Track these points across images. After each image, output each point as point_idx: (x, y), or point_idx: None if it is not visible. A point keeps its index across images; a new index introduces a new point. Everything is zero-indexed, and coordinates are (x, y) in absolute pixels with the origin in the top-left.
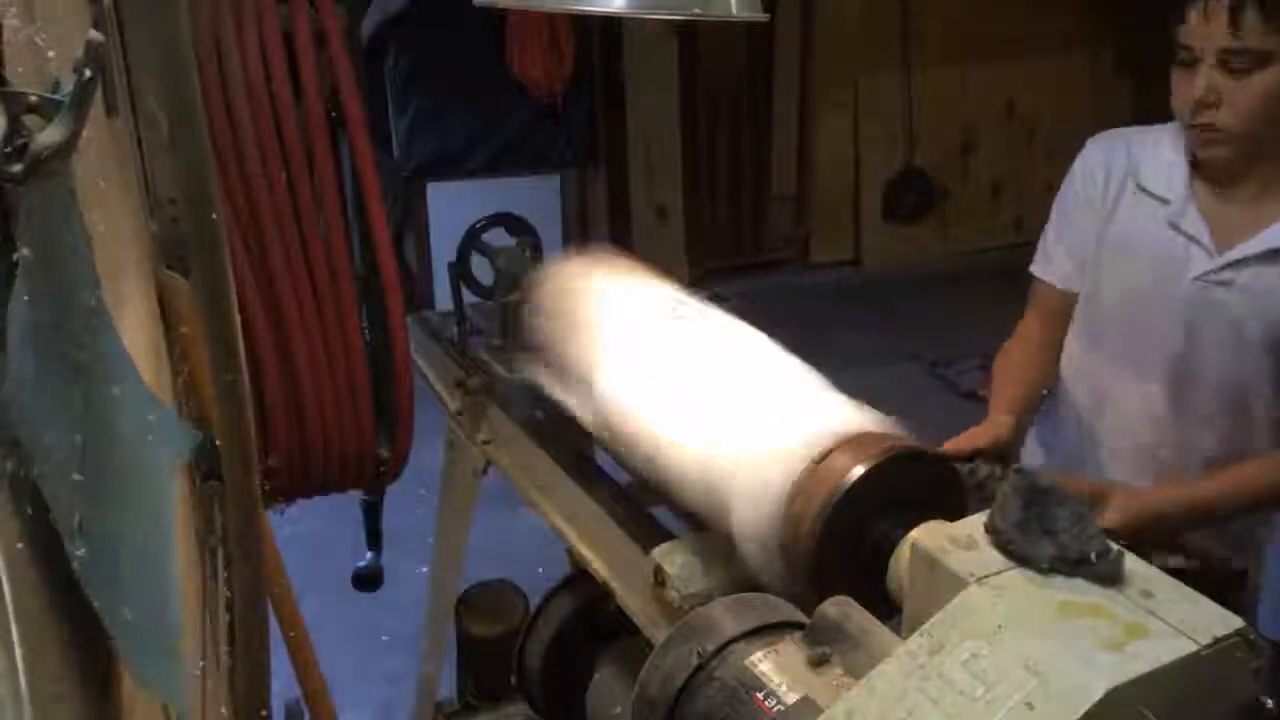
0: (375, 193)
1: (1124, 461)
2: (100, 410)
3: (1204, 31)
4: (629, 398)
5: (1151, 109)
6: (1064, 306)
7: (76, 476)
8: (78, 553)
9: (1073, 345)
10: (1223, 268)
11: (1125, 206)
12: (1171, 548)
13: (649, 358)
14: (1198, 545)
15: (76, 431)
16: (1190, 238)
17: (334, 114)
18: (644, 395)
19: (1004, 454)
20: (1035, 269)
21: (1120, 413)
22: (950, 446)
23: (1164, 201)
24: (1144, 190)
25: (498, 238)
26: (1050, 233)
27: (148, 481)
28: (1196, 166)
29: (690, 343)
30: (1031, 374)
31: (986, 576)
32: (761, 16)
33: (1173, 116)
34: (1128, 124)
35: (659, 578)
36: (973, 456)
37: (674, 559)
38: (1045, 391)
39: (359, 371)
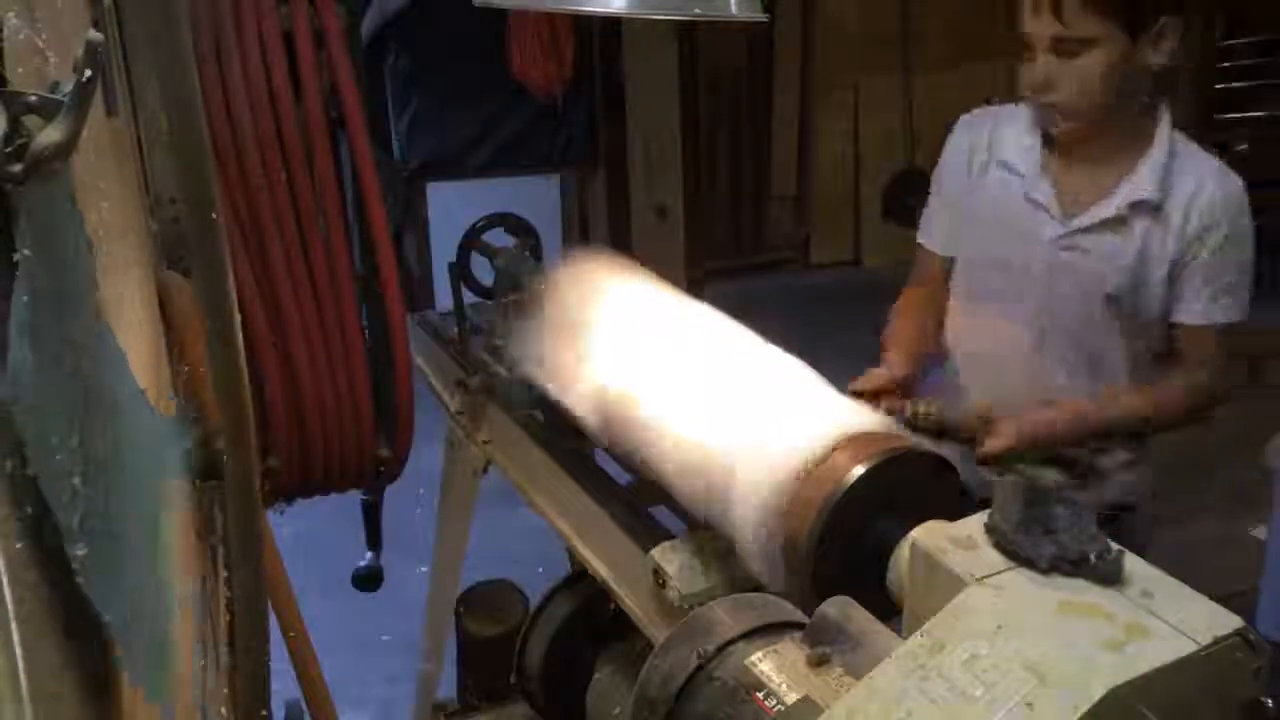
0: (375, 193)
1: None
2: (99, 411)
3: (1035, 23)
4: (630, 399)
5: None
6: (944, 271)
7: (76, 478)
8: (79, 552)
9: (952, 311)
10: (1070, 233)
11: (988, 179)
12: (1058, 463)
13: (648, 358)
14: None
15: (76, 431)
16: (1041, 206)
17: (334, 114)
18: (644, 396)
19: (906, 389)
20: (919, 237)
21: (993, 372)
22: (854, 388)
23: (1019, 174)
24: (1003, 164)
25: (498, 238)
26: (930, 204)
27: (145, 483)
28: (1049, 141)
29: (688, 344)
30: (918, 322)
31: (986, 576)
32: (761, 17)
33: None
34: None
35: (658, 578)
36: (877, 396)
37: (673, 559)
38: (932, 350)
39: (359, 371)
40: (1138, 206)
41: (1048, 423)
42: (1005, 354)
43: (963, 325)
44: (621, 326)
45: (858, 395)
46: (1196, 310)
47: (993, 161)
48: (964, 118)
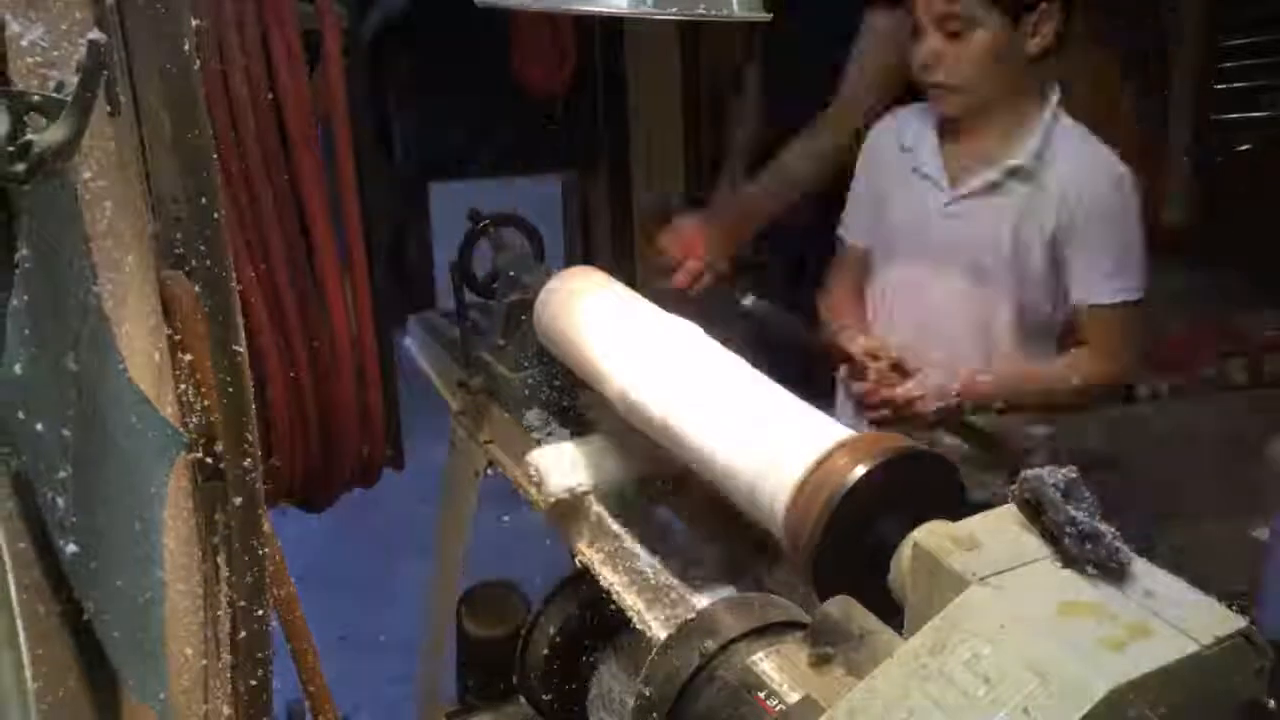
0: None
1: None
2: (90, 409)
3: (925, 3)
4: (634, 404)
5: (1151, 109)
6: (859, 260)
7: (62, 473)
8: (68, 549)
9: (870, 302)
10: (954, 200)
11: (888, 165)
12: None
13: (652, 366)
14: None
15: (66, 428)
16: (928, 179)
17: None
18: (648, 401)
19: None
20: (840, 232)
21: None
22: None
23: (911, 153)
24: (902, 148)
25: (499, 238)
26: (850, 201)
27: (137, 482)
28: (940, 125)
29: (689, 354)
30: (859, 307)
31: (988, 576)
32: (764, 16)
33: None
34: (1127, 125)
35: (530, 478)
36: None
37: (544, 456)
38: None
39: (347, 372)
40: (1014, 172)
41: (987, 384)
42: (914, 335)
43: (875, 317)
44: (623, 333)
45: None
46: (1090, 290)
47: (895, 149)
48: (881, 120)
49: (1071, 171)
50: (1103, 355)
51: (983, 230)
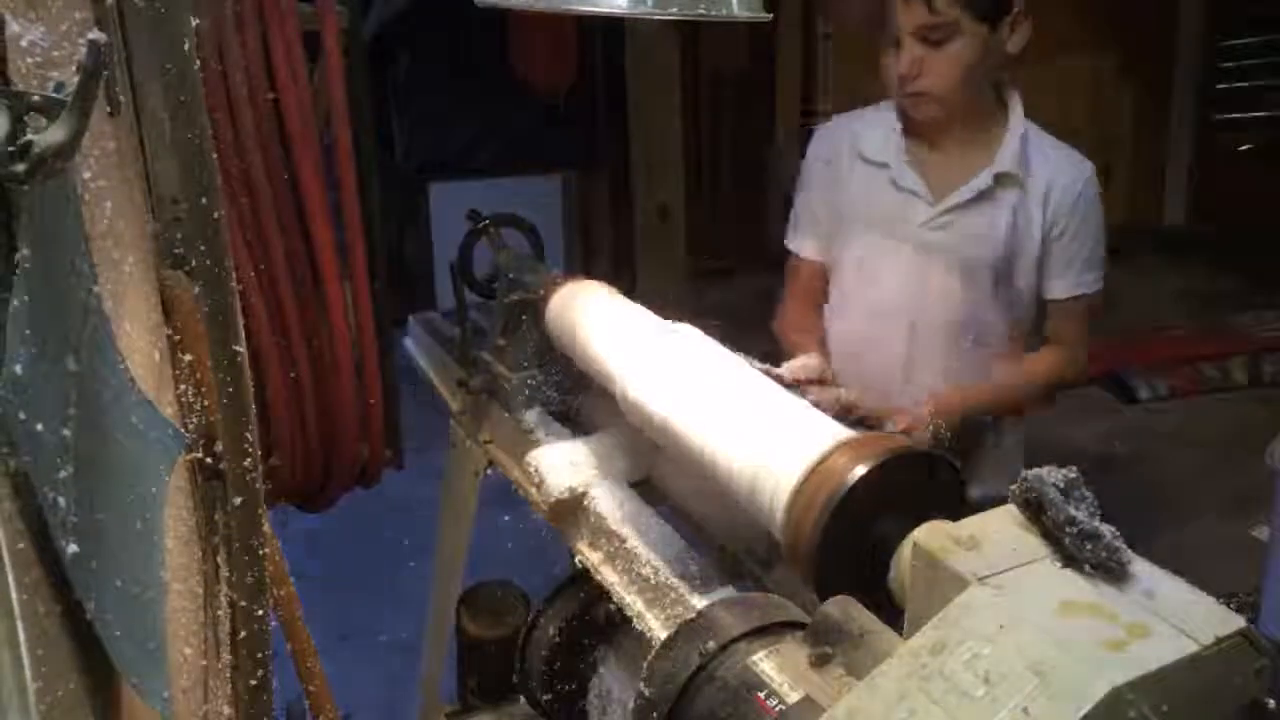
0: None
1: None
2: (90, 409)
3: (906, 13)
4: (634, 404)
5: (1154, 110)
6: (818, 274)
7: (63, 473)
8: (69, 549)
9: (828, 316)
10: (941, 213)
11: (854, 178)
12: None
13: (654, 368)
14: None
15: (66, 428)
16: (910, 192)
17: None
18: (648, 401)
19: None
20: (789, 244)
21: (866, 371)
22: (791, 377)
23: (884, 166)
24: (867, 161)
25: (499, 238)
26: (798, 211)
27: (138, 482)
28: (909, 133)
29: (689, 357)
30: (814, 323)
31: (988, 576)
32: (764, 16)
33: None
34: (1128, 126)
35: (530, 478)
36: (812, 384)
37: (544, 456)
38: None
39: (348, 373)
40: (1002, 179)
41: (956, 401)
42: (881, 350)
43: (838, 328)
44: (626, 336)
45: (795, 383)
46: (1067, 284)
47: (857, 161)
48: (820, 127)
49: (1050, 172)
50: (1074, 345)
51: (977, 237)
